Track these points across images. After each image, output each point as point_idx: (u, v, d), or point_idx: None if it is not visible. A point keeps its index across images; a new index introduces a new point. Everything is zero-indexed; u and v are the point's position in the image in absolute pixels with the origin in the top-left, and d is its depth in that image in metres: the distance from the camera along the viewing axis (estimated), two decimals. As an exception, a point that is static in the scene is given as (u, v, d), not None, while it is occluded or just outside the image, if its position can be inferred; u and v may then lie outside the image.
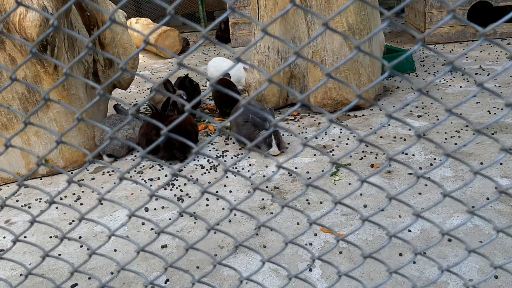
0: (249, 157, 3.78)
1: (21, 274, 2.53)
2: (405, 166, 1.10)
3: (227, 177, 3.47)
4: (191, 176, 3.54)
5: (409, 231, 2.54)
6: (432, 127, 1.03)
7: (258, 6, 4.63)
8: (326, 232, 2.62)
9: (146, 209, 3.09)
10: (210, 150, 4.02)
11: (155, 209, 3.10)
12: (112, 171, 3.80)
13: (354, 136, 3.96)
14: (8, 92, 3.58)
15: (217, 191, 3.25)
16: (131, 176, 3.68)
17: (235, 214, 2.91)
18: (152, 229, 2.86)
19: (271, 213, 2.90)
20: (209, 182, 3.39)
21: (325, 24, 0.97)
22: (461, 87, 4.90)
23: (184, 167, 3.73)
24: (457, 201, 2.85)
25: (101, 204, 3.26)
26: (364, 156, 3.56)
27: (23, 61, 1.06)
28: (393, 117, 1.01)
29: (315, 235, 2.60)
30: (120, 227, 1.50)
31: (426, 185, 2.99)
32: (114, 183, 3.57)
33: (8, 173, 1.30)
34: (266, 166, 3.57)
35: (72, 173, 3.85)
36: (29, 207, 3.30)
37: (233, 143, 4.13)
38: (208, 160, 3.82)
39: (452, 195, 1.12)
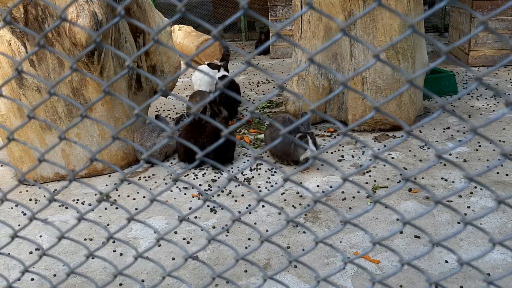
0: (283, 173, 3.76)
1: (54, 275, 2.59)
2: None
3: (260, 191, 3.46)
4: (224, 188, 3.54)
5: (446, 262, 2.46)
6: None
7: (302, 21, 4.63)
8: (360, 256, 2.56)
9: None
10: (244, 162, 4.03)
11: (188, 218, 3.12)
12: (148, 176, 3.85)
13: (393, 157, 3.88)
14: (54, 93, 3.69)
15: (249, 205, 3.25)
16: (166, 183, 3.73)
17: (267, 230, 2.89)
18: (184, 238, 2.87)
19: (304, 232, 2.86)
20: (242, 195, 3.39)
21: (376, 56, 0.96)
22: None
23: (235, 176, 3.75)
24: (497, 234, 2.72)
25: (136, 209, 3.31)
26: (402, 179, 3.48)
27: (80, 54, 1.09)
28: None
29: (348, 258, 2.55)
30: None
31: (465, 214, 2.90)
32: (150, 189, 3.62)
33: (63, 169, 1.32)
34: (300, 183, 3.54)
35: (109, 176, 3.93)
36: (66, 208, 3.38)
37: (268, 156, 4.12)
38: (242, 172, 3.82)
39: (490, 228, 1.07)
